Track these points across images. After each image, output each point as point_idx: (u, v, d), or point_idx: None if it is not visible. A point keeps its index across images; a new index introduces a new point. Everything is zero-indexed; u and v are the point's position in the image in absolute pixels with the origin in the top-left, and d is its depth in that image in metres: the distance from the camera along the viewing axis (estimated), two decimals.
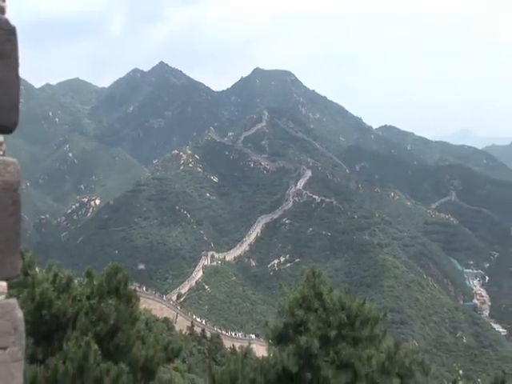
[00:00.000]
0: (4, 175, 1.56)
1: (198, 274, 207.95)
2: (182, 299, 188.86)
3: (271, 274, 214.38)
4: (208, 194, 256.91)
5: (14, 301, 1.41)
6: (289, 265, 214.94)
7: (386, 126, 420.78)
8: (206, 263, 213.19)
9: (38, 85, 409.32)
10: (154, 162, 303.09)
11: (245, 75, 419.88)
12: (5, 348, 1.25)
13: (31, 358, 15.41)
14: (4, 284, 1.34)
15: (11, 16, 1.73)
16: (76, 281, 17.87)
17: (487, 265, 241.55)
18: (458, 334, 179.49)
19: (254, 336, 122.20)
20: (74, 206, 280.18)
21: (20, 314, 1.39)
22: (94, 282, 17.95)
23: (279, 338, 18.85)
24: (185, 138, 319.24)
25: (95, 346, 15.98)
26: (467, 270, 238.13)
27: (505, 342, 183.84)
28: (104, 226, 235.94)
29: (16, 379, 1.32)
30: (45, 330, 16.29)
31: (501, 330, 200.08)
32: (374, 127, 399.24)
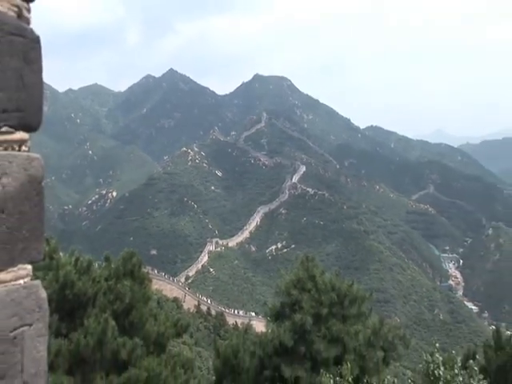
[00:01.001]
0: (29, 169, 1.61)
1: (203, 258, 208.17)
2: (189, 281, 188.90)
3: (269, 258, 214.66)
4: (213, 187, 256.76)
5: (38, 282, 1.41)
6: (285, 250, 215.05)
7: (372, 126, 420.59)
8: (211, 249, 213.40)
9: (61, 89, 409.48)
10: (165, 158, 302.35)
11: (246, 80, 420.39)
12: (30, 324, 1.26)
13: (56, 333, 15.43)
14: (29, 267, 1.34)
15: (35, 26, 1.79)
16: (95, 264, 17.92)
17: (461, 250, 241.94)
18: (435, 312, 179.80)
19: (253, 314, 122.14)
20: (93, 198, 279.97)
21: (44, 294, 1.39)
22: (112, 266, 17.99)
23: (276, 316, 18.86)
24: (192, 137, 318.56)
25: (112, 323, 16.05)
26: (443, 255, 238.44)
27: (476, 318, 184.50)
28: (120, 216, 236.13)
29: (40, 352, 1.33)
30: (68, 308, 16.32)
31: (473, 307, 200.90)
32: (361, 127, 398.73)
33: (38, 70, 1.64)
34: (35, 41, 1.65)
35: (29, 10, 1.64)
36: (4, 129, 1.47)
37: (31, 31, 1.62)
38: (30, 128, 1.70)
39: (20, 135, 1.56)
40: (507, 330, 22.12)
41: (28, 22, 1.64)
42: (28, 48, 1.60)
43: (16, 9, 1.53)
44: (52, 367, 14.53)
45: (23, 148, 1.37)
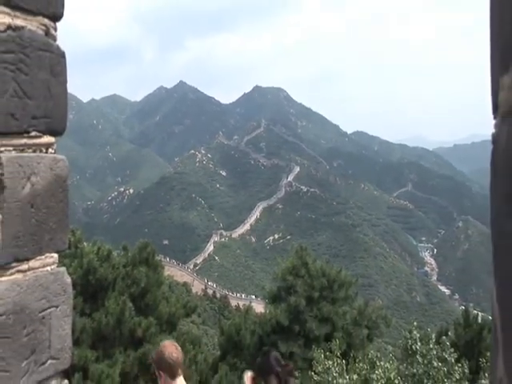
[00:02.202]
0: (55, 169, 1.66)
1: (209, 248, 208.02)
2: (197, 268, 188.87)
3: (267, 248, 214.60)
4: (218, 185, 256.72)
5: (63, 269, 1.43)
6: (281, 241, 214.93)
7: (357, 131, 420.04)
8: (216, 239, 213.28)
9: (85, 99, 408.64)
10: (176, 159, 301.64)
11: (247, 91, 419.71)
12: (56, 306, 1.27)
13: (81, 313, 15.49)
14: (55, 256, 1.36)
15: (62, 43, 1.85)
16: (115, 253, 17.94)
17: (435, 240, 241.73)
18: (412, 294, 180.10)
19: (254, 297, 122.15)
20: (113, 195, 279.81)
21: (68, 279, 1.41)
22: (129, 254, 18.02)
23: (274, 298, 18.88)
24: (199, 141, 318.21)
25: (130, 304, 16.09)
26: (420, 245, 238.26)
27: (448, 300, 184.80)
28: (136, 211, 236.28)
29: (65, 330, 1.35)
30: (91, 291, 16.36)
31: (445, 290, 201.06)
32: (348, 132, 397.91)
33: (63, 82, 1.69)
34: (61, 56, 1.69)
35: (55, 29, 1.68)
36: (33, 133, 1.49)
37: (57, 47, 1.66)
38: (55, 133, 1.74)
39: (47, 139, 1.60)
40: (474, 309, 22.25)
41: (54, 39, 1.69)
42: (54, 62, 1.63)
43: (44, 27, 1.56)
44: (77, 342, 14.57)
45: (50, 150, 1.39)
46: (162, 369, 5.22)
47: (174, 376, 5.21)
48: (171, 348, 5.30)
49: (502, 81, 0.53)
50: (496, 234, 0.58)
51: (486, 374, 11.20)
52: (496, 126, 0.60)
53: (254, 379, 6.21)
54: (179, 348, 5.33)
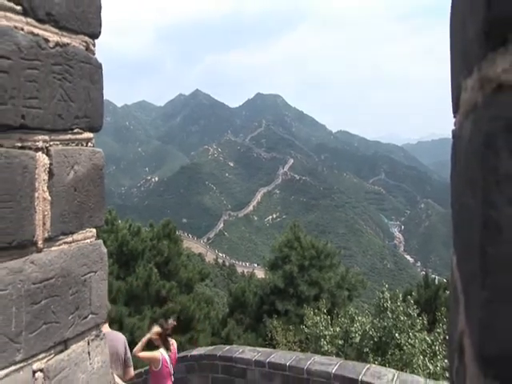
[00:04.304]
0: (93, 159, 1.74)
1: (220, 225, 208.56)
2: (210, 241, 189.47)
3: (267, 225, 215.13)
4: (227, 174, 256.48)
5: (100, 241, 1.46)
6: (278, 219, 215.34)
7: (341, 130, 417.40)
8: (225, 218, 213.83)
9: (119, 104, 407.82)
10: (192, 153, 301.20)
11: (250, 97, 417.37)
12: (95, 271, 1.31)
13: (116, 277, 15.58)
14: (94, 230, 1.40)
15: (99, 56, 1.92)
16: (143, 229, 18.00)
17: (402, 219, 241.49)
18: (384, 262, 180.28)
19: (256, 265, 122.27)
20: (141, 182, 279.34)
21: (104, 249, 1.44)
22: (154, 230, 18.10)
23: (272, 266, 18.92)
24: (212, 138, 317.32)
25: (155, 270, 16.19)
26: (390, 222, 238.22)
27: (412, 266, 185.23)
28: (160, 195, 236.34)
29: (103, 291, 1.39)
30: (124, 260, 16.44)
31: (410, 259, 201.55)
32: (333, 131, 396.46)
33: (100, 88, 1.74)
34: (98, 67, 1.75)
35: (94, 45, 1.75)
36: (76, 130, 1.57)
37: (95, 60, 1.72)
38: (94, 130, 1.80)
39: (87, 135, 1.67)
40: (432, 274, 22.43)
41: (93, 53, 1.75)
42: (93, 72, 1.69)
43: (85, 44, 1.63)
44: (114, 301, 14.65)
45: (89, 144, 1.43)
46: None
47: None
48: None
49: (465, 84, 0.49)
50: (457, 211, 0.57)
51: (441, 325, 11.35)
52: (457, 123, 0.58)
53: (158, 334, 6.46)
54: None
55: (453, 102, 0.61)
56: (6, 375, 1.25)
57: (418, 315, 11.02)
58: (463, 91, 0.51)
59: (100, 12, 1.82)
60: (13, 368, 1.28)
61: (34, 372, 1.36)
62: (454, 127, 0.62)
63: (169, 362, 6.30)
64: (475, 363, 0.45)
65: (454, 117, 0.62)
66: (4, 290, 1.26)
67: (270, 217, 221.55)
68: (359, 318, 11.82)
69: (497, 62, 0.42)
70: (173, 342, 6.60)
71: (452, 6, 0.59)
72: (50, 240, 1.47)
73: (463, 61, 0.50)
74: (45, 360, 1.41)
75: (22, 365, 1.31)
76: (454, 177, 0.61)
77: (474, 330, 0.46)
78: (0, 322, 1.25)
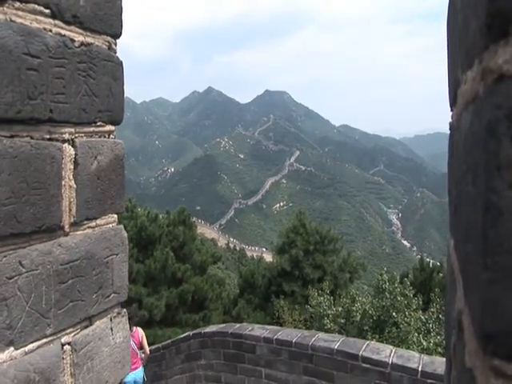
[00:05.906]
0: (115, 150, 1.38)
1: (231, 212, 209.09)
2: (222, 227, 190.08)
3: (275, 212, 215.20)
4: (237, 165, 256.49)
5: (121, 226, 1.50)
6: (285, 207, 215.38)
7: (343, 125, 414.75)
8: (236, 206, 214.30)
9: (138, 101, 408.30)
10: (206, 146, 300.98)
11: (259, 94, 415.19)
12: (117, 254, 1.35)
13: (136, 260, 15.68)
14: (115, 216, 1.43)
15: (121, 55, 1.66)
16: (160, 216, 18.07)
17: (400, 207, 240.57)
18: (383, 247, 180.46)
19: (264, 249, 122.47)
20: (159, 172, 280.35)
21: (125, 234, 1.49)
22: (170, 217, 18.14)
23: (279, 251, 18.93)
24: (223, 132, 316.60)
25: (171, 254, 16.27)
26: (389, 210, 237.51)
27: (409, 251, 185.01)
28: (176, 184, 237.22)
29: (124, 272, 1.43)
30: (143, 244, 16.53)
31: (407, 244, 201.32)
32: (336, 125, 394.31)
33: (121, 84, 1.80)
34: (119, 64, 1.78)
35: (115, 44, 1.77)
36: (99, 123, 1.63)
37: (117, 58, 1.76)
38: (115, 123, 1.57)
39: (109, 128, 1.69)
40: (427, 258, 22.42)
41: (115, 52, 1.77)
42: (115, 69, 1.74)
43: (107, 43, 1.68)
44: (134, 281, 14.77)
45: (111, 136, 1.48)
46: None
47: None
48: None
49: (464, 76, 0.49)
50: (455, 197, 0.57)
51: (435, 304, 11.41)
52: (455, 115, 0.57)
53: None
54: None
55: (450, 96, 0.60)
56: (39, 347, 1.33)
57: (414, 296, 11.06)
58: (462, 83, 0.51)
59: (121, 14, 1.82)
60: (44, 341, 1.36)
61: (63, 345, 1.44)
62: (451, 120, 0.62)
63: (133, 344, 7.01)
64: (475, 340, 0.43)
65: (451, 110, 0.61)
66: (35, 270, 1.33)
67: (278, 205, 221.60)
68: (360, 298, 11.85)
69: (498, 54, 0.40)
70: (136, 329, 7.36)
71: (450, 3, 0.58)
72: (75, 225, 1.54)
73: (463, 53, 0.50)
74: (72, 334, 1.49)
75: (51, 338, 1.39)
76: (451, 166, 0.61)
77: (474, 308, 0.44)
78: (32, 299, 1.31)
